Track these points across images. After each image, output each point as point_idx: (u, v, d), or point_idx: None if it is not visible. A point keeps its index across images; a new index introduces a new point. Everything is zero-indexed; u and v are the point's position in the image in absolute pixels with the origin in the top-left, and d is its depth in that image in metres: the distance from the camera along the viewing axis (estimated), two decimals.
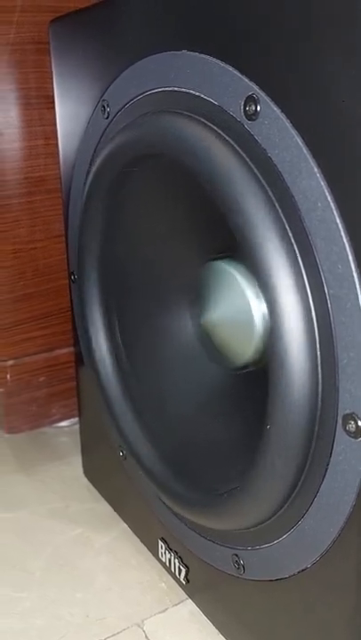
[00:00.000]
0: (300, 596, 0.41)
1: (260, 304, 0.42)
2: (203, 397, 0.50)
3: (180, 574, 0.56)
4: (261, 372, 0.44)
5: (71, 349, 0.78)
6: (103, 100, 0.50)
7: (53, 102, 0.58)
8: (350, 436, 0.34)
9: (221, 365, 0.48)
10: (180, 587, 0.57)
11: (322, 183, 0.32)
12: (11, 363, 0.75)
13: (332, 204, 0.32)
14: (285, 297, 0.34)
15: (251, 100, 0.35)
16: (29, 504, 0.71)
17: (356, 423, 0.33)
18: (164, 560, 0.58)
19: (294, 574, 0.40)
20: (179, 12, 0.40)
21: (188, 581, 0.55)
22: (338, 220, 0.32)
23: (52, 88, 0.58)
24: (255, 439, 0.41)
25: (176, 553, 0.56)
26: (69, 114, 0.56)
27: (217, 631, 0.52)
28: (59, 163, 0.60)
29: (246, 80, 0.35)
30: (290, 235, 0.34)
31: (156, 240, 0.50)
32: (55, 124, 0.60)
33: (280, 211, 0.34)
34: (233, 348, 0.45)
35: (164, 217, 0.48)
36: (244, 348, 0.44)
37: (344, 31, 0.29)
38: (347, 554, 0.36)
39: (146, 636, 0.53)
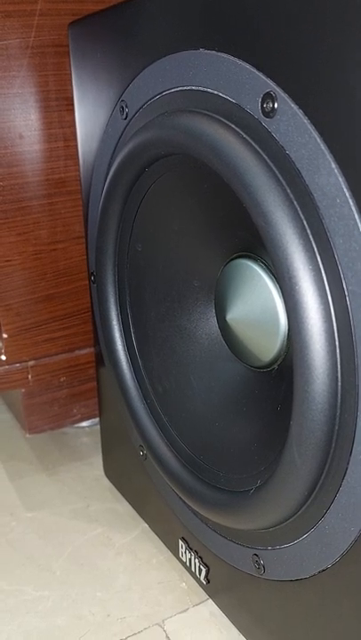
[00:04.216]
0: (321, 596, 0.40)
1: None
2: (223, 396, 0.50)
3: (200, 574, 0.56)
4: (284, 370, 0.44)
5: (92, 350, 0.78)
6: (122, 101, 0.50)
7: (73, 104, 0.59)
8: None
9: (244, 364, 0.48)
10: (201, 587, 0.57)
11: (340, 179, 0.32)
12: (32, 363, 0.76)
13: (350, 201, 0.32)
14: (304, 295, 0.34)
15: (268, 97, 0.35)
16: (50, 504, 0.72)
17: None
18: (184, 560, 0.58)
19: (315, 574, 0.40)
20: (195, 11, 0.40)
21: (208, 581, 0.55)
22: (356, 217, 0.31)
23: (72, 90, 0.58)
24: (276, 438, 0.41)
25: (196, 553, 0.56)
26: (89, 115, 0.56)
27: (238, 631, 0.52)
28: (78, 164, 0.61)
29: (263, 77, 0.35)
30: (308, 232, 0.34)
31: (175, 239, 0.50)
32: (75, 126, 0.60)
33: (299, 208, 0.34)
34: (258, 346, 0.45)
35: (183, 216, 0.49)
36: (269, 346, 0.44)
37: None
38: None
39: (167, 636, 0.53)
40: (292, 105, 0.34)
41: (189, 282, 0.51)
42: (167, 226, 0.50)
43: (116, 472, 0.72)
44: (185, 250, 0.50)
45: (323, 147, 0.32)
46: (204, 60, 0.40)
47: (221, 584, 0.53)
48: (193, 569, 0.57)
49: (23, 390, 0.78)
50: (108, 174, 0.52)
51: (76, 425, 0.86)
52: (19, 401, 0.80)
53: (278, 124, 0.35)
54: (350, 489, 0.35)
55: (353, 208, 0.31)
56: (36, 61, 0.66)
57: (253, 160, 0.36)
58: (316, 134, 0.33)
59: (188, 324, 0.53)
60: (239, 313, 0.46)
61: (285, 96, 0.34)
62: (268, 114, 0.35)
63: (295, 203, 0.34)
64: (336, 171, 0.32)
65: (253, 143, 0.36)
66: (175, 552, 0.60)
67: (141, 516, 0.67)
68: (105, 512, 0.70)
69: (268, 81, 0.35)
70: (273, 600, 0.46)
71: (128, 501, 0.70)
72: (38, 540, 0.66)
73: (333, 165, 0.32)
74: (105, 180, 0.54)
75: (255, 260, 0.44)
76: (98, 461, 0.79)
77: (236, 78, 0.37)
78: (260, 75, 0.35)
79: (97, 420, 0.85)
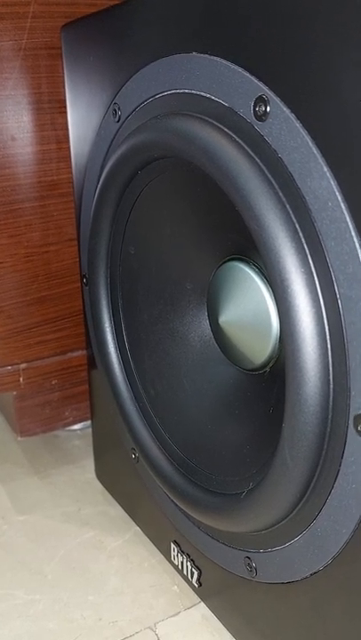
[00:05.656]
0: (313, 598, 0.40)
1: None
2: (216, 399, 0.50)
3: (192, 577, 0.55)
4: (276, 373, 0.44)
5: (84, 352, 0.78)
6: (114, 104, 0.50)
7: (65, 107, 0.59)
8: None
9: (236, 366, 0.48)
10: (193, 590, 0.57)
11: (332, 183, 0.32)
12: (24, 366, 0.75)
13: (342, 204, 0.32)
14: (296, 298, 0.34)
15: (261, 100, 0.35)
16: (42, 507, 0.71)
17: None
18: (176, 563, 0.58)
19: (307, 577, 0.40)
20: (188, 15, 0.40)
21: (200, 584, 0.55)
22: (348, 220, 0.31)
23: (64, 92, 0.58)
24: (269, 440, 0.41)
25: (188, 556, 0.56)
26: (81, 118, 0.56)
27: (230, 634, 0.52)
28: (71, 167, 0.61)
29: (256, 81, 0.35)
30: (301, 235, 0.34)
31: (168, 242, 0.50)
32: (67, 129, 0.60)
33: (291, 212, 0.34)
34: (250, 349, 0.45)
35: (176, 219, 0.49)
36: (262, 349, 0.44)
37: (355, 30, 0.29)
38: (359, 556, 0.36)
39: None
40: (285, 108, 0.34)
41: (182, 284, 0.51)
42: (160, 228, 0.50)
43: (108, 475, 0.72)
44: (177, 252, 0.50)
45: (315, 150, 0.32)
46: (196, 63, 0.40)
47: (213, 587, 0.53)
48: (185, 572, 0.57)
49: (15, 393, 0.77)
50: (100, 177, 0.52)
51: (68, 428, 0.86)
52: (10, 404, 0.80)
53: (271, 127, 0.35)
54: (342, 491, 0.36)
55: (345, 211, 0.32)
56: (29, 64, 0.66)
57: (246, 163, 0.36)
58: (308, 138, 0.33)
59: (180, 326, 0.53)
60: (231, 316, 0.46)
61: (278, 100, 0.34)
62: (261, 117, 0.35)
63: (287, 206, 0.34)
64: (328, 174, 0.32)
65: (246, 146, 0.36)
66: (167, 555, 0.60)
67: (133, 520, 0.67)
68: (97, 515, 0.69)
69: (261, 84, 0.35)
70: (265, 603, 0.46)
71: (120, 504, 0.70)
72: (30, 543, 0.65)
73: (325, 169, 0.32)
74: (97, 183, 0.54)
75: (248, 262, 0.44)
76: (90, 464, 0.79)
77: (229, 82, 0.38)
78: (253, 78, 0.36)
79: (89, 422, 0.85)
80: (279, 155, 0.35)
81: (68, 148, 0.69)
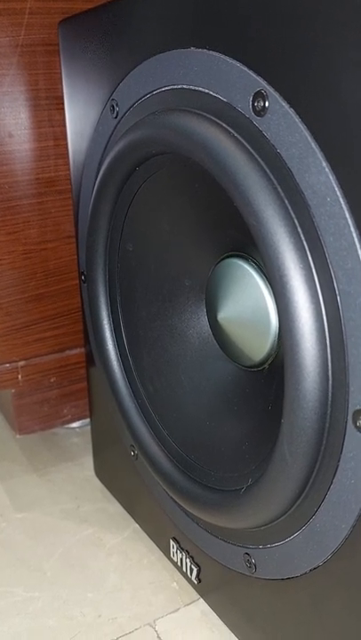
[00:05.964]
0: (312, 594, 0.40)
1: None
2: (214, 395, 0.50)
3: (191, 574, 0.55)
4: (275, 369, 0.44)
5: (82, 350, 0.78)
6: (112, 100, 0.50)
7: (63, 103, 0.59)
8: None
9: (235, 363, 0.48)
10: (192, 586, 0.57)
11: (331, 178, 0.32)
12: (22, 363, 0.75)
13: (341, 199, 0.32)
14: (295, 294, 0.34)
15: (259, 95, 0.35)
16: (41, 504, 0.71)
17: None
18: (175, 560, 0.58)
19: (306, 573, 0.40)
20: (186, 10, 0.40)
21: (199, 581, 0.55)
22: (347, 215, 0.31)
23: (62, 89, 0.58)
24: (267, 437, 0.41)
25: (188, 552, 0.56)
26: (79, 114, 0.56)
27: (229, 631, 0.52)
28: (69, 163, 0.61)
29: (254, 76, 0.35)
30: (299, 231, 0.34)
31: (166, 238, 0.50)
32: (65, 125, 0.60)
33: (289, 207, 0.34)
34: (249, 345, 0.45)
35: (174, 215, 0.48)
36: (260, 345, 0.44)
37: (355, 28, 0.29)
38: (359, 551, 0.36)
39: (158, 636, 0.53)
40: (283, 103, 0.34)
41: (180, 281, 0.51)
42: (158, 225, 0.50)
43: (106, 472, 0.72)
44: (176, 249, 0.50)
45: (313, 145, 0.32)
46: (194, 58, 0.40)
47: (213, 583, 0.53)
48: (184, 569, 0.57)
49: (13, 391, 0.77)
50: (98, 173, 0.52)
51: (67, 425, 0.86)
52: (9, 401, 0.80)
53: (269, 122, 0.35)
54: (341, 487, 0.36)
55: (343, 206, 0.32)
56: (26, 60, 0.66)
57: (244, 159, 0.36)
58: (306, 133, 0.33)
59: (179, 323, 0.52)
60: (230, 312, 0.46)
61: (276, 95, 0.34)
62: (259, 112, 0.35)
63: (286, 201, 0.34)
64: (327, 169, 0.32)
65: (244, 142, 0.36)
66: (166, 552, 0.60)
67: (132, 517, 0.67)
68: (96, 512, 0.69)
69: (259, 79, 0.35)
70: (264, 599, 0.46)
71: (119, 501, 0.70)
72: (29, 540, 0.65)
73: (324, 164, 0.32)
74: (95, 179, 0.53)
75: (246, 259, 0.44)
76: (88, 462, 0.79)
77: (227, 77, 0.37)
78: (251, 73, 0.35)
79: (87, 420, 0.85)
80: (278, 150, 0.35)
81: (66, 144, 0.69)
